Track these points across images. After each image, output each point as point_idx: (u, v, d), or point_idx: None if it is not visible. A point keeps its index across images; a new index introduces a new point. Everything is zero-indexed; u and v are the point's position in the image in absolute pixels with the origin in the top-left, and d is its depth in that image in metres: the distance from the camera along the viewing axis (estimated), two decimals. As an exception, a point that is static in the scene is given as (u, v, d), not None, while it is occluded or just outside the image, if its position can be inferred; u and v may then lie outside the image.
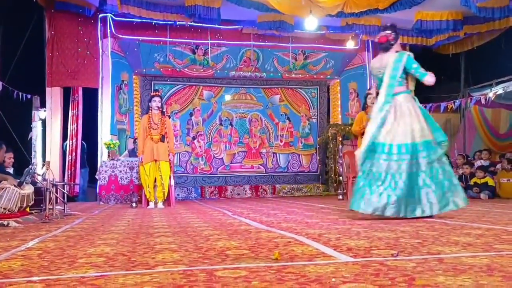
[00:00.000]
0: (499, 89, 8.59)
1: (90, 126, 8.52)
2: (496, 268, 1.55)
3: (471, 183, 7.20)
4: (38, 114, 8.20)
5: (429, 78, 3.54)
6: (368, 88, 6.44)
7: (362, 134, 6.04)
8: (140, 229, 3.17)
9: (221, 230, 2.98)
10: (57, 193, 4.73)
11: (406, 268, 1.58)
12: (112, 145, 7.62)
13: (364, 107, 6.21)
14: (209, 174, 9.83)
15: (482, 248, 2.02)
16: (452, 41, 9.45)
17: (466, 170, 7.49)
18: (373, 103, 6.12)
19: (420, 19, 8.19)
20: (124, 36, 8.62)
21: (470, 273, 1.48)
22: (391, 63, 3.62)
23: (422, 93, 10.43)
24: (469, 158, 8.34)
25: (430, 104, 9.82)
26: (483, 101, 8.64)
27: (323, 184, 9.85)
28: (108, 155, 7.70)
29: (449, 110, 9.66)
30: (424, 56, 10.05)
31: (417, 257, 1.81)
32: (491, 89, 8.91)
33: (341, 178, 9.00)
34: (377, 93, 3.75)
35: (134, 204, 6.06)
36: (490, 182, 6.99)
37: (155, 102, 6.20)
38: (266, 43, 9.44)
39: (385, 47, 3.71)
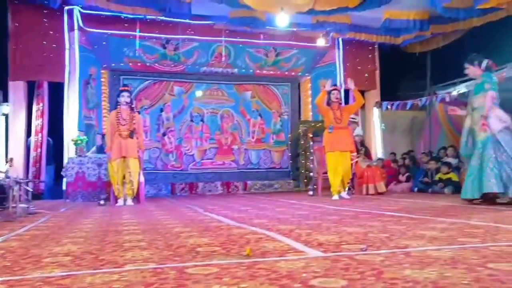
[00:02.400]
0: (462, 88, 8.86)
1: (56, 121, 8.26)
2: (459, 261, 1.61)
3: (436, 178, 7.43)
4: (1, 109, 7.90)
5: None
6: (333, 84, 6.57)
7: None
8: (109, 227, 3.10)
9: (192, 227, 2.96)
10: (21, 190, 4.58)
11: (375, 262, 1.62)
12: (79, 141, 7.43)
13: (329, 103, 6.33)
14: (180, 170, 9.74)
15: (447, 241, 2.08)
16: (419, 40, 9.68)
17: (432, 166, 7.72)
18: (337, 98, 6.29)
19: (388, 17, 8.36)
20: (92, 30, 8.37)
21: (436, 266, 1.53)
22: None
23: (391, 91, 10.73)
24: (433, 155, 8.58)
25: (398, 102, 10.05)
26: (447, 99, 8.91)
27: (294, 180, 9.93)
28: (76, 152, 7.50)
29: (415, 107, 9.91)
30: (392, 55, 10.29)
31: (385, 251, 1.85)
32: (455, 88, 9.19)
33: (311, 174, 9.09)
34: None
35: (102, 202, 5.92)
36: (454, 177, 7.22)
37: (124, 97, 6.07)
38: (238, 39, 9.36)
39: None
